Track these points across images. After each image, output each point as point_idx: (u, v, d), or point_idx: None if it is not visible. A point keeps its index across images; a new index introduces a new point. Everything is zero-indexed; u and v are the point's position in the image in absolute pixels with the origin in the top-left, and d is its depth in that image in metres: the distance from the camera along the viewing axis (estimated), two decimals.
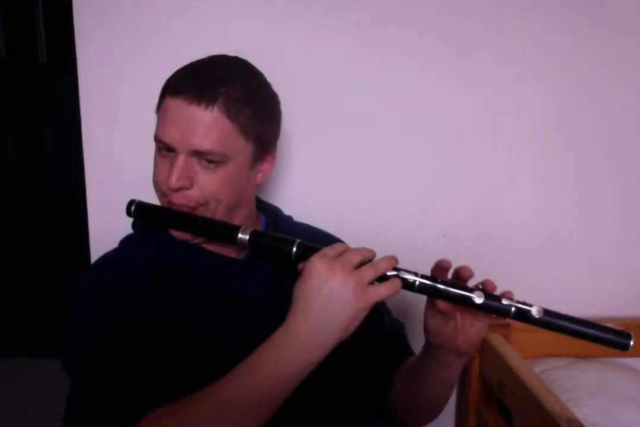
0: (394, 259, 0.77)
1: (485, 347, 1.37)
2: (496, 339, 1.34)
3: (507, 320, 1.37)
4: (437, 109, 1.35)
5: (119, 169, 1.30)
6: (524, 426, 1.24)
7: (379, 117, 1.34)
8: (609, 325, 0.75)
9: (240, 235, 0.82)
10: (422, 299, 0.81)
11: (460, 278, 0.78)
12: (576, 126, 1.38)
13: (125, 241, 0.98)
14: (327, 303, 0.71)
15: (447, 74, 1.33)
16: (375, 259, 0.77)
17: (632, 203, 1.43)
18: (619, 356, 1.45)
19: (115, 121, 1.29)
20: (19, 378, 2.48)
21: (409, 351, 1.03)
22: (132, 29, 1.27)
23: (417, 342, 0.93)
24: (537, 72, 1.34)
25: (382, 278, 0.75)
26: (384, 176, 1.37)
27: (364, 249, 0.77)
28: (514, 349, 1.30)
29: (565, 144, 1.39)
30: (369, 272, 0.73)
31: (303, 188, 1.35)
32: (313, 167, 1.35)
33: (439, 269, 0.78)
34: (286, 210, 1.10)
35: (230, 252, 0.95)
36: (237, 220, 0.92)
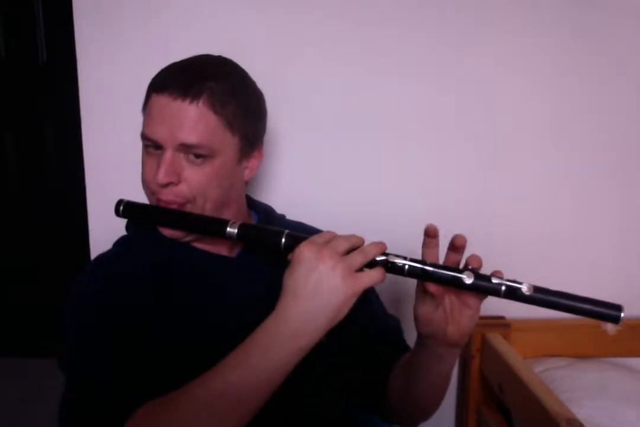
0: (382, 244, 0.77)
1: (485, 347, 1.37)
2: (496, 339, 1.34)
3: (507, 320, 1.39)
4: (438, 108, 1.34)
5: (119, 169, 1.30)
6: (524, 426, 1.24)
7: (379, 116, 1.34)
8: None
9: (229, 228, 0.82)
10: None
11: (454, 247, 0.78)
12: (578, 128, 1.38)
13: (119, 243, 0.98)
14: (316, 290, 0.71)
15: (447, 73, 1.33)
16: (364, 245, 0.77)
17: (633, 205, 1.43)
18: (619, 356, 1.45)
19: (115, 121, 1.29)
20: (18, 378, 2.48)
21: (405, 347, 1.03)
22: (132, 28, 1.27)
23: (413, 337, 0.93)
24: (540, 72, 1.34)
25: (372, 264, 0.75)
26: (382, 175, 1.37)
27: (353, 236, 0.77)
28: (514, 349, 1.30)
29: (567, 146, 1.39)
30: (357, 258, 0.74)
31: (300, 188, 1.35)
32: (311, 167, 1.35)
33: (427, 234, 0.78)
34: (280, 210, 1.10)
35: (222, 251, 0.96)
36: (226, 217, 0.91)
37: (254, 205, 1.06)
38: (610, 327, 1.41)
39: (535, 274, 1.42)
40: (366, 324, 0.98)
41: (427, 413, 0.98)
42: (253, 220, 1.03)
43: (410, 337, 1.01)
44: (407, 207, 1.38)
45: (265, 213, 1.05)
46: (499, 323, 1.38)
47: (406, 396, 0.93)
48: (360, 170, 1.36)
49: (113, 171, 1.31)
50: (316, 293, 0.71)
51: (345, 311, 0.72)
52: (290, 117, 1.29)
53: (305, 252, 0.72)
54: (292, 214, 1.11)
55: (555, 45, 1.33)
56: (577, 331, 1.42)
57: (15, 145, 2.59)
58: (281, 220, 1.08)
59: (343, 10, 1.28)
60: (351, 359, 0.96)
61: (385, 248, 0.77)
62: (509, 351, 1.29)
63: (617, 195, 1.42)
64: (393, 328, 1.06)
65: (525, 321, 1.40)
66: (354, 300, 0.73)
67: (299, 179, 1.35)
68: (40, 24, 2.44)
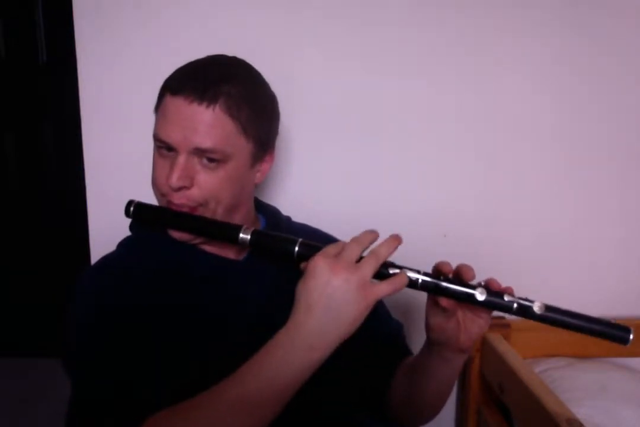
0: (394, 240, 0.76)
1: (485, 347, 1.37)
2: (496, 339, 1.34)
3: (507, 320, 1.39)
4: (440, 109, 1.34)
5: (119, 169, 1.30)
6: (524, 426, 1.24)
7: (380, 117, 1.34)
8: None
9: (241, 235, 0.82)
10: (423, 296, 0.81)
11: (461, 278, 0.78)
12: (578, 128, 1.38)
13: (124, 244, 0.97)
14: (329, 303, 0.71)
15: (449, 74, 1.33)
16: (377, 242, 0.76)
17: (633, 205, 1.43)
18: (619, 356, 1.45)
19: (115, 121, 1.29)
20: (19, 378, 2.48)
21: (407, 351, 1.03)
22: (132, 28, 1.27)
23: (418, 342, 0.93)
24: (540, 72, 1.34)
25: (386, 275, 0.75)
26: (384, 176, 1.37)
27: (364, 235, 0.76)
28: (514, 349, 1.30)
29: (568, 146, 1.39)
30: (370, 264, 0.73)
31: (302, 188, 1.35)
32: (313, 168, 1.35)
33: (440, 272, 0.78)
34: (284, 211, 1.10)
35: (230, 254, 0.95)
36: (236, 220, 0.92)
37: (260, 207, 1.05)
38: None
39: (536, 274, 1.43)
40: (370, 327, 0.98)
41: (430, 415, 0.98)
42: (260, 222, 1.03)
43: (416, 341, 1.02)
44: (410, 207, 1.37)
45: (272, 216, 1.05)
46: (499, 323, 1.38)
47: (409, 399, 0.94)
48: (362, 171, 1.36)
49: (113, 171, 1.31)
50: (330, 307, 0.71)
51: (358, 323, 0.73)
52: (289, 117, 1.29)
53: (319, 264, 0.72)
54: (297, 216, 1.11)
55: (555, 46, 1.33)
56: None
57: (15, 145, 2.58)
58: (287, 222, 1.08)
59: (343, 10, 1.28)
60: (354, 362, 0.96)
61: (399, 242, 0.76)
62: (509, 351, 1.29)
63: (618, 195, 1.42)
64: (396, 332, 1.06)
65: (525, 321, 1.38)
66: (367, 312, 0.73)
67: (303, 181, 1.35)
68: (40, 24, 2.44)
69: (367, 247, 0.75)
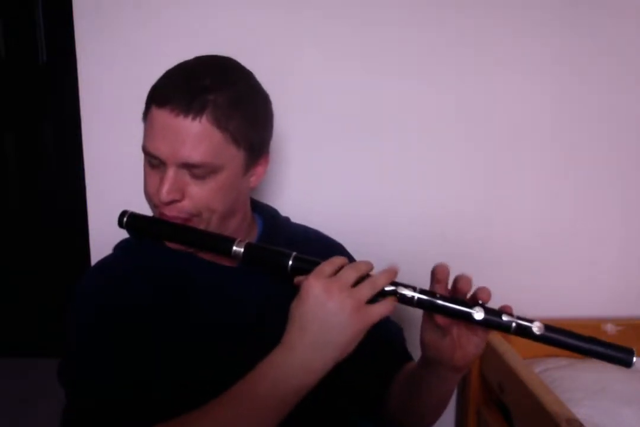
0: (392, 272, 0.75)
1: (485, 347, 1.37)
2: (496, 339, 1.34)
3: None
4: (439, 110, 1.34)
5: (120, 169, 1.30)
6: (524, 426, 1.24)
7: (380, 117, 1.33)
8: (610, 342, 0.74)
9: (235, 248, 0.80)
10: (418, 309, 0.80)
11: (458, 290, 0.75)
12: (579, 129, 1.38)
13: (121, 247, 0.97)
14: (323, 326, 0.70)
15: (449, 74, 1.33)
16: (374, 271, 0.75)
17: (633, 205, 1.43)
18: None
19: (115, 121, 1.29)
20: (19, 378, 2.48)
21: (407, 356, 1.02)
22: (132, 28, 1.27)
23: (414, 352, 0.93)
24: (540, 72, 1.34)
25: (381, 293, 0.74)
26: (383, 177, 1.37)
27: (361, 263, 0.75)
28: (514, 349, 1.30)
29: (568, 146, 1.39)
30: (366, 290, 0.72)
31: (302, 189, 1.35)
32: (312, 168, 1.35)
33: (436, 280, 0.76)
34: (283, 212, 1.09)
35: (225, 261, 0.94)
36: (232, 226, 0.91)
37: (257, 208, 1.04)
38: (610, 327, 1.41)
39: (536, 274, 1.43)
40: (369, 332, 0.98)
41: (428, 422, 0.97)
42: (257, 225, 1.02)
43: (412, 351, 1.01)
44: (409, 208, 1.37)
45: (270, 217, 1.03)
46: None
47: (408, 406, 0.93)
48: (361, 172, 1.36)
49: (113, 171, 1.31)
50: (324, 329, 0.70)
51: (353, 346, 0.72)
52: (289, 117, 1.29)
53: (313, 286, 0.70)
54: (296, 217, 1.11)
55: (555, 46, 1.33)
56: (576, 331, 1.41)
57: (15, 145, 2.58)
58: (286, 223, 1.07)
59: (343, 10, 1.28)
60: (353, 366, 0.96)
61: (396, 275, 0.75)
62: (509, 351, 1.29)
63: (619, 195, 1.42)
64: (395, 336, 1.05)
65: None
66: (362, 335, 0.72)
67: (302, 182, 1.35)
68: (40, 24, 2.44)
69: (362, 275, 0.73)
